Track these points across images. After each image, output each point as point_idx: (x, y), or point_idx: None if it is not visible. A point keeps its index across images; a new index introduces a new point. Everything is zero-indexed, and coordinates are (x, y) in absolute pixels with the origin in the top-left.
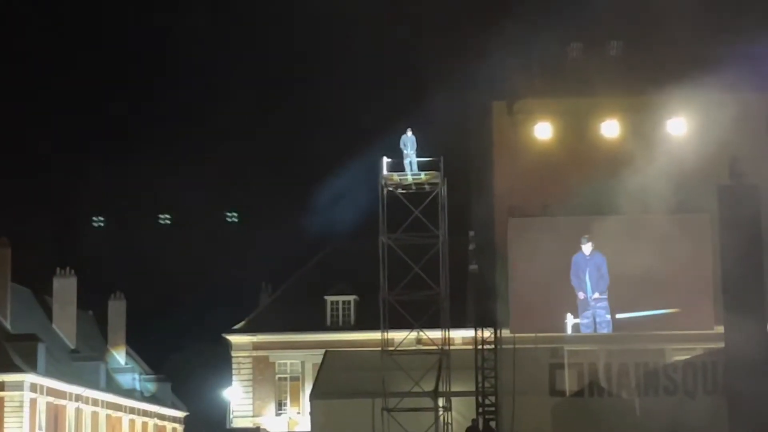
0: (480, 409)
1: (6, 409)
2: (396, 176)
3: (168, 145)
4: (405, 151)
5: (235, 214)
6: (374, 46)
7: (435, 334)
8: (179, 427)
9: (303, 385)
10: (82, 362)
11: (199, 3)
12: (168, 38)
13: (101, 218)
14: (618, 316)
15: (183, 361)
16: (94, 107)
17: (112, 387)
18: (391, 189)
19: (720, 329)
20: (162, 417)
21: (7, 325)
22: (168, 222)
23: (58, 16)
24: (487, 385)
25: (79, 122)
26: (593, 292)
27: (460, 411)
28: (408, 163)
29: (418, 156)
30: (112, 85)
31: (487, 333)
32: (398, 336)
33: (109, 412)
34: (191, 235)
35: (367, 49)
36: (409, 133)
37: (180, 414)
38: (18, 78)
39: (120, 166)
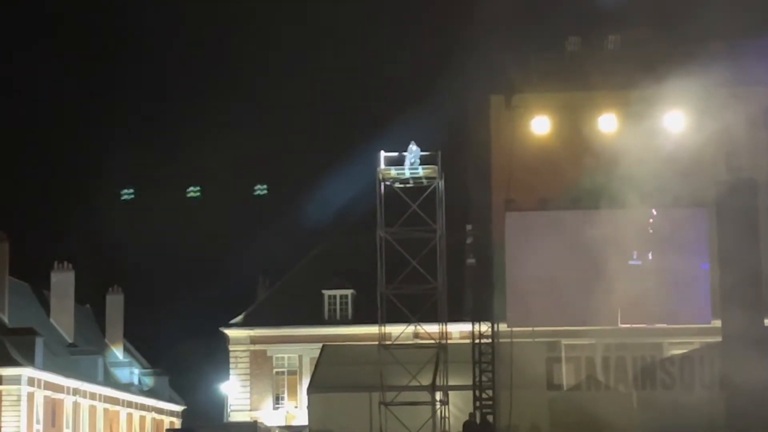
0: (477, 403)
1: (4, 403)
2: (393, 171)
3: (164, 139)
4: (408, 156)
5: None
6: (373, 40)
7: (432, 328)
8: (177, 421)
9: (300, 379)
10: (79, 356)
11: None
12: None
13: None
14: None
15: (180, 355)
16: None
17: (109, 381)
18: (388, 183)
19: (717, 323)
20: (160, 411)
21: (5, 319)
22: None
23: None
24: (484, 379)
25: (80, 114)
26: None
27: (458, 405)
28: (408, 161)
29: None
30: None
31: (485, 327)
32: (396, 330)
33: (107, 406)
34: (189, 229)
35: (366, 44)
36: (414, 147)
37: (177, 408)
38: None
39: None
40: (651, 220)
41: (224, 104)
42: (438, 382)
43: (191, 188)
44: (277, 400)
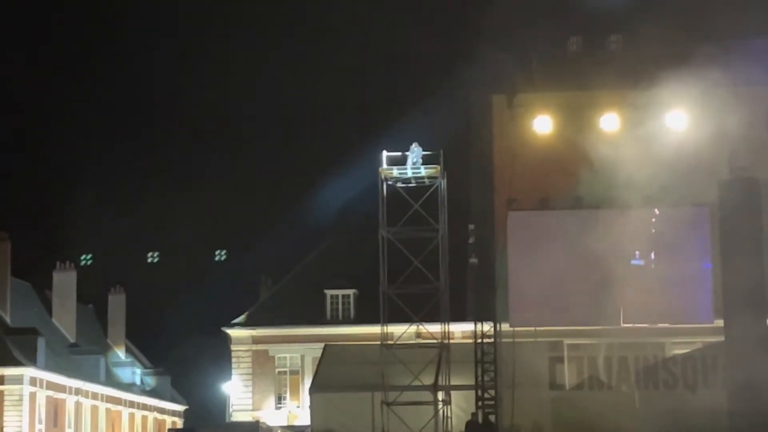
0: (480, 403)
1: (6, 403)
2: (396, 170)
3: (167, 139)
4: (410, 156)
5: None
6: (376, 40)
7: (434, 328)
8: (179, 421)
9: (302, 378)
10: (81, 356)
11: None
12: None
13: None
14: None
15: (183, 355)
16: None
17: (111, 381)
18: (390, 183)
19: (720, 323)
20: (162, 411)
21: (7, 319)
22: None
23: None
24: (486, 378)
25: (77, 112)
26: None
27: (460, 405)
28: (411, 161)
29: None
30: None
31: (487, 327)
32: (398, 330)
33: (109, 405)
34: (190, 225)
35: (369, 44)
36: (416, 146)
37: (180, 408)
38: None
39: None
40: (653, 220)
41: (224, 102)
42: (440, 382)
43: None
44: (280, 399)
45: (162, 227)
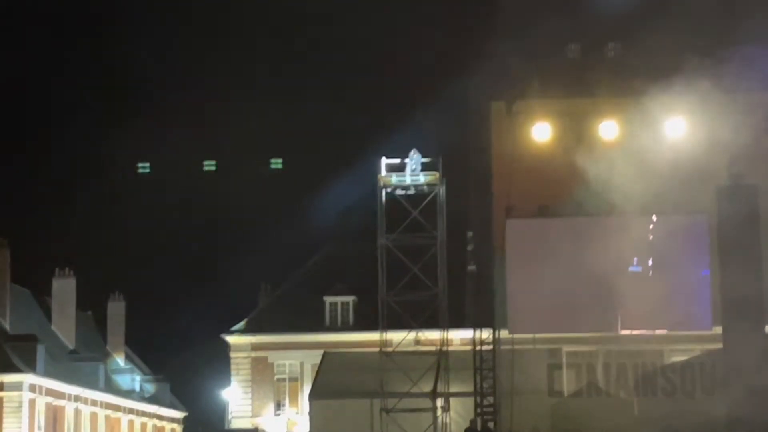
0: (478, 410)
1: (5, 410)
2: (394, 178)
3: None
4: (409, 163)
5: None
6: (375, 46)
7: (433, 335)
8: (178, 428)
9: (302, 385)
10: (81, 363)
11: None
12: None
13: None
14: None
15: (182, 362)
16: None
17: (111, 387)
18: (389, 190)
19: (718, 330)
20: (161, 417)
21: (7, 326)
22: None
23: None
24: (485, 385)
25: (78, 116)
26: None
27: (459, 411)
28: (410, 168)
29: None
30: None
31: (486, 333)
32: (397, 336)
33: (108, 412)
34: (190, 237)
35: (368, 50)
36: (415, 153)
37: (179, 414)
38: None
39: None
40: (651, 228)
41: (222, 105)
42: (439, 389)
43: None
44: (279, 406)
45: (161, 234)
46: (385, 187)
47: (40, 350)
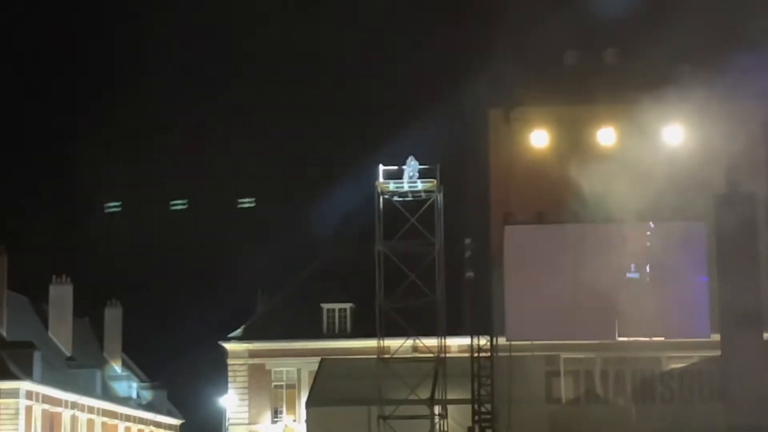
0: (476, 417)
1: (2, 417)
2: (392, 185)
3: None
4: (407, 170)
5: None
6: (372, 53)
7: (431, 342)
8: None
9: (299, 392)
10: (78, 369)
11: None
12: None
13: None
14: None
15: (179, 369)
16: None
17: (108, 394)
18: (387, 197)
19: (716, 337)
20: (158, 425)
21: (4, 333)
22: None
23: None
24: (483, 392)
25: (75, 124)
26: None
27: (456, 419)
28: (407, 175)
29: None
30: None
31: (483, 341)
32: (394, 344)
33: (105, 419)
34: (187, 243)
35: (366, 57)
36: (412, 160)
37: (176, 422)
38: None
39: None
40: (649, 234)
41: (219, 114)
42: (437, 396)
43: (178, 201)
44: (276, 413)
45: (159, 240)
46: (383, 193)
47: (37, 357)
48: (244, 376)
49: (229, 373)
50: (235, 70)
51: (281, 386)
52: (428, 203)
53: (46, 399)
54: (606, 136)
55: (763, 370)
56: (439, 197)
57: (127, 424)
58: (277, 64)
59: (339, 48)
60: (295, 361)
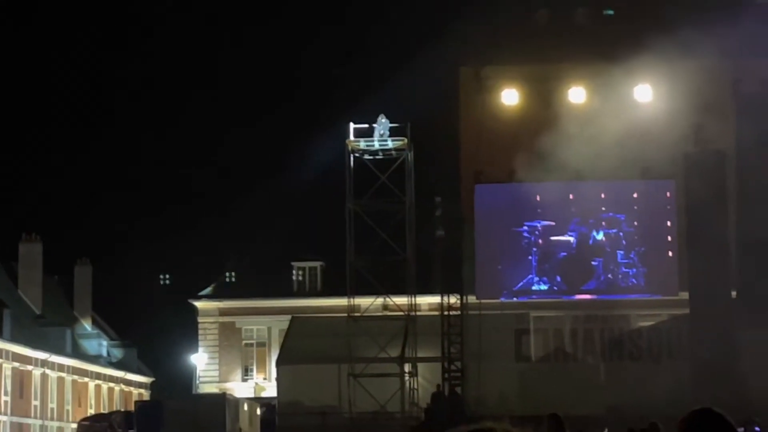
0: (446, 375)
1: None
2: (363, 143)
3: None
4: (377, 128)
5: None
6: (342, 13)
7: (401, 300)
8: (145, 393)
9: (269, 351)
10: (47, 328)
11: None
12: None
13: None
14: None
15: (149, 327)
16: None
17: (78, 353)
18: (358, 155)
19: (684, 295)
20: (128, 383)
21: None
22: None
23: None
24: (452, 350)
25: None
26: None
27: (426, 377)
28: (378, 133)
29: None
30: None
31: (453, 299)
32: (364, 302)
33: (75, 377)
34: (158, 196)
35: (336, 17)
36: (383, 120)
37: (146, 380)
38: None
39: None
40: (618, 192)
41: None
42: (407, 354)
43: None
44: (246, 371)
45: (129, 197)
46: (353, 152)
47: (7, 315)
48: (214, 334)
49: (200, 332)
50: (198, 37)
51: (251, 344)
52: (399, 162)
53: (16, 357)
54: (576, 94)
55: (730, 328)
56: (410, 156)
57: (98, 382)
58: (245, 27)
59: (309, 5)
60: (266, 320)
